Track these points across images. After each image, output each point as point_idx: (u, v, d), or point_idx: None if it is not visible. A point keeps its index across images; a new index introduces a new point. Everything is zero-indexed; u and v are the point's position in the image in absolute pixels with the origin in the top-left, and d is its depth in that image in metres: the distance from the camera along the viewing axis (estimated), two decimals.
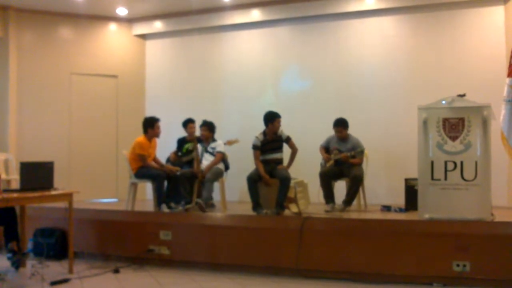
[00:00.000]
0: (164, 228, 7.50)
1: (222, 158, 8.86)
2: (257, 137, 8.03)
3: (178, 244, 7.42)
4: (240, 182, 7.99)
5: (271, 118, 7.94)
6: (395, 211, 8.06)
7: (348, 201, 8.08)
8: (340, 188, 8.53)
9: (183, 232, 7.46)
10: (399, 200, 8.46)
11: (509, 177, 8.51)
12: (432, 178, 6.59)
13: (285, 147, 8.21)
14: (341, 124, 8.36)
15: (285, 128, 8.16)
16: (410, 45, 9.52)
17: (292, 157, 8.07)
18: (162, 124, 8.60)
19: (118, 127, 11.19)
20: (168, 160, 9.10)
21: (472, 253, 6.11)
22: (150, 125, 8.48)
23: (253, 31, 10.65)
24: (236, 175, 8.96)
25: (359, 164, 8.22)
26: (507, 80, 6.98)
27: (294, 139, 8.20)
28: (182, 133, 9.45)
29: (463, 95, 6.70)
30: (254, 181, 7.79)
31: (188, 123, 9.27)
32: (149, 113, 10.19)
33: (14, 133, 10.42)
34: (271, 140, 7.99)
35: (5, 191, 6.65)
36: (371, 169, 8.70)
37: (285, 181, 7.61)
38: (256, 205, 7.73)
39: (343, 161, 8.20)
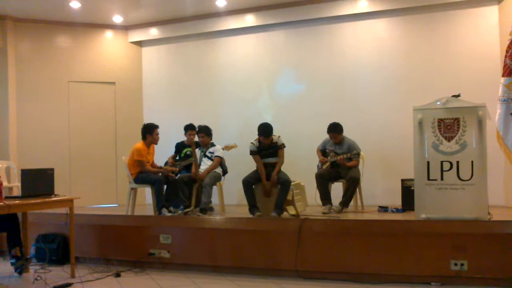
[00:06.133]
0: (164, 232, 7.56)
1: (220, 162, 8.93)
2: (252, 143, 8.06)
3: (178, 247, 7.49)
4: (238, 185, 8.04)
5: (260, 133, 7.96)
6: (392, 211, 8.11)
7: (345, 202, 8.15)
8: (337, 189, 8.59)
9: (183, 235, 7.52)
10: (396, 200, 8.52)
11: (506, 176, 8.56)
12: (429, 179, 6.61)
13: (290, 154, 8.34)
14: (334, 130, 8.42)
15: (281, 131, 8.23)
16: (404, 47, 9.58)
17: (277, 166, 7.95)
18: (159, 129, 8.67)
19: (116, 133, 11.25)
20: (166, 164, 9.14)
21: (469, 252, 6.16)
22: (149, 132, 8.53)
23: (248, 35, 10.72)
24: (234, 179, 9.01)
25: (356, 166, 8.28)
26: (502, 79, 6.96)
27: (290, 142, 8.30)
28: (180, 138, 9.51)
29: (458, 96, 6.71)
30: (249, 183, 7.86)
31: (188, 129, 9.29)
32: (147, 118, 10.26)
33: (14, 141, 10.48)
34: (267, 147, 8.02)
35: (7, 198, 6.74)
36: (367, 170, 8.76)
37: (285, 184, 7.66)
38: (252, 207, 7.80)
39: (340, 163, 8.27)
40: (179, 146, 9.47)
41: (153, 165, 8.75)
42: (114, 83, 11.37)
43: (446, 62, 9.23)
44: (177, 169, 8.90)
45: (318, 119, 9.28)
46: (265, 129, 7.92)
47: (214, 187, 8.74)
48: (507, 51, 6.95)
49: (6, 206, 6.12)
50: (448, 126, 6.57)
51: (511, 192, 8.48)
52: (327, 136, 8.58)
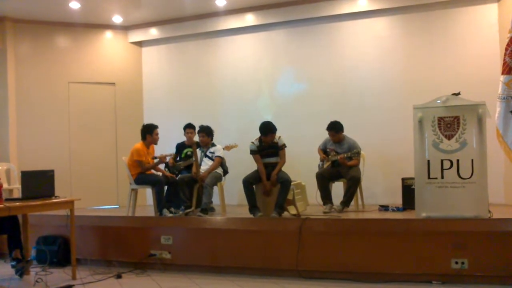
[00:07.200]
0: (165, 232, 7.55)
1: (221, 162, 8.93)
2: (252, 143, 8.05)
3: (179, 248, 7.48)
4: (239, 186, 8.03)
5: (264, 133, 7.94)
6: (393, 210, 8.13)
7: (346, 201, 8.14)
8: (338, 189, 8.59)
9: (184, 236, 7.52)
10: (397, 199, 8.54)
11: (506, 174, 8.55)
12: (429, 177, 6.61)
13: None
14: (332, 129, 8.44)
15: (281, 130, 8.20)
16: (404, 45, 9.58)
17: (278, 166, 7.91)
18: (160, 130, 8.68)
19: (117, 134, 11.25)
20: (166, 165, 9.14)
21: (470, 251, 6.16)
22: (149, 132, 8.54)
23: (248, 35, 10.73)
24: (235, 179, 8.96)
25: (356, 166, 8.28)
26: (502, 77, 6.95)
27: (290, 142, 8.28)
28: (180, 138, 9.52)
29: (458, 94, 6.72)
30: (249, 183, 7.86)
31: (186, 128, 9.33)
32: (147, 119, 10.25)
33: (14, 143, 10.48)
34: (267, 147, 8.00)
35: (7, 200, 6.72)
36: (368, 169, 8.75)
37: (285, 183, 7.66)
38: (253, 207, 7.81)
39: (340, 163, 8.27)
40: (180, 147, 9.48)
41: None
42: (114, 83, 11.37)
43: (446, 60, 9.22)
44: (171, 154, 8.90)
45: (318, 119, 9.23)
46: (267, 127, 7.92)
47: (215, 187, 8.74)
48: (506, 49, 6.95)
49: (7, 208, 6.11)
50: (448, 125, 6.57)
51: (511, 190, 8.48)
52: (327, 135, 8.58)
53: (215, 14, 10.63)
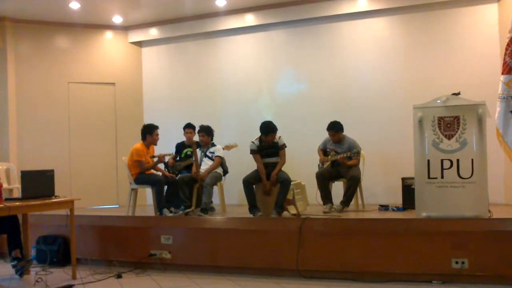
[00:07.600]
0: (164, 232, 7.55)
1: (221, 162, 8.93)
2: (252, 142, 8.05)
3: (179, 248, 7.47)
4: (239, 185, 8.03)
5: (265, 132, 7.94)
6: (393, 210, 8.13)
7: (346, 201, 8.14)
8: (338, 189, 8.59)
9: (184, 236, 7.52)
10: (397, 199, 8.54)
11: (506, 174, 8.55)
12: (429, 177, 6.60)
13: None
14: (332, 128, 8.43)
15: (282, 130, 8.19)
16: (404, 45, 9.57)
17: (278, 166, 7.92)
18: (160, 130, 8.69)
19: (117, 134, 11.25)
20: (166, 165, 9.13)
21: (470, 250, 6.15)
22: (149, 132, 8.54)
23: (248, 35, 10.73)
24: (235, 179, 8.97)
25: (356, 165, 8.27)
26: (502, 77, 6.94)
27: (290, 142, 8.29)
28: (180, 138, 9.52)
29: (458, 94, 6.71)
30: (249, 183, 7.86)
31: (185, 128, 9.34)
32: (147, 119, 10.26)
33: (14, 143, 10.48)
34: (267, 146, 8.00)
35: (7, 199, 6.71)
36: (368, 169, 8.75)
37: (285, 183, 7.66)
38: (252, 207, 7.81)
39: (340, 162, 8.26)
40: (180, 147, 9.48)
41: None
42: (114, 83, 11.37)
43: (446, 60, 9.22)
44: (171, 153, 8.92)
45: (318, 118, 9.25)
46: (268, 126, 7.94)
47: (215, 187, 8.75)
48: (506, 49, 6.94)
49: (7, 208, 6.10)
50: (448, 124, 6.57)
51: (511, 190, 8.48)
52: (327, 135, 8.57)
53: (215, 14, 10.63)
